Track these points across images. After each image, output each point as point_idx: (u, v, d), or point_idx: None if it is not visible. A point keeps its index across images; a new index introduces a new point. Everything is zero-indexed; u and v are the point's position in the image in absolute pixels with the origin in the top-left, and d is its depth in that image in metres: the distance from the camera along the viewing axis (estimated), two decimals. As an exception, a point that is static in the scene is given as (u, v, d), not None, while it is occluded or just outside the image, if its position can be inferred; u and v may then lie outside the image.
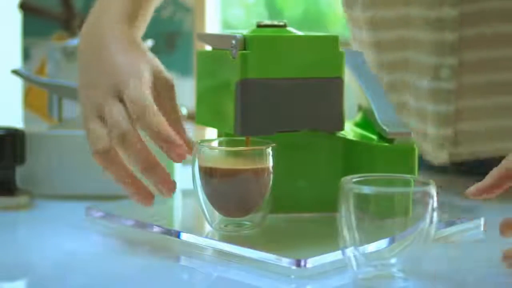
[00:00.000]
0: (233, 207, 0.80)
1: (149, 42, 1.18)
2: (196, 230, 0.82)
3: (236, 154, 0.82)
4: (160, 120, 0.79)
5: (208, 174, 0.79)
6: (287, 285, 0.72)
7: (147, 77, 0.83)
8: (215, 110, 0.88)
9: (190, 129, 0.86)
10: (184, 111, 1.13)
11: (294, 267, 0.72)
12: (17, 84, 1.67)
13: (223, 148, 0.84)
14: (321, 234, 0.80)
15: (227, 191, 0.80)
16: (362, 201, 0.70)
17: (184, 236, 0.79)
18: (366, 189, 0.69)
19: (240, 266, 0.75)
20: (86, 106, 0.84)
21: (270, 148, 0.80)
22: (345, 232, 0.70)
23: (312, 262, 0.73)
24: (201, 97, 0.90)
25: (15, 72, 1.09)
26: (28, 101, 1.61)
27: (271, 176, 0.80)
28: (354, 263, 0.71)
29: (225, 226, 0.82)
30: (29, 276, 0.76)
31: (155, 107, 0.80)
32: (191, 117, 1.23)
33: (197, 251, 0.78)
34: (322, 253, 0.74)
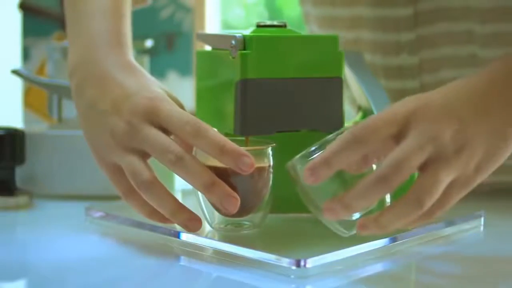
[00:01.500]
0: None
1: (149, 42, 1.18)
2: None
3: None
4: (217, 133, 0.77)
5: None
6: (287, 285, 0.72)
7: (169, 99, 0.81)
8: (215, 110, 0.88)
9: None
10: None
11: (294, 267, 0.72)
12: (17, 84, 1.67)
13: None
14: (321, 234, 0.79)
15: None
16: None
17: (184, 236, 0.79)
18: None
19: (240, 266, 0.75)
20: (106, 139, 0.80)
21: (270, 147, 0.80)
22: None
23: (312, 262, 0.73)
24: (201, 97, 0.90)
25: (15, 72, 1.09)
26: (28, 101, 1.61)
27: (271, 176, 0.80)
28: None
29: (225, 226, 0.82)
30: (29, 276, 0.76)
31: (203, 122, 0.77)
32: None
33: (197, 251, 0.78)
34: (322, 253, 0.74)
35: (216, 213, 0.81)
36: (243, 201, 0.78)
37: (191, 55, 1.92)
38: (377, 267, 0.77)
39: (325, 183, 0.73)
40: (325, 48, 0.85)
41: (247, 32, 0.85)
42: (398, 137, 0.72)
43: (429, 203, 0.71)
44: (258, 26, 0.86)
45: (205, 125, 0.77)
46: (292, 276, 0.72)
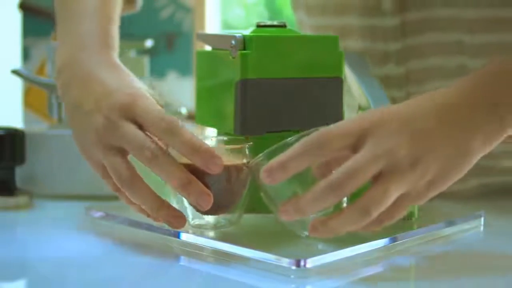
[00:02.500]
0: None
1: (149, 42, 1.18)
2: (196, 230, 0.82)
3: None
4: (190, 132, 0.77)
5: None
6: (287, 285, 0.72)
7: (149, 96, 0.82)
8: (215, 110, 0.88)
9: (190, 129, 0.86)
10: (184, 111, 1.13)
11: (294, 267, 0.72)
12: (17, 84, 1.67)
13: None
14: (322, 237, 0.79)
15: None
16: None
17: (184, 236, 0.79)
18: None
19: (240, 266, 0.75)
20: (92, 137, 0.82)
21: (247, 146, 0.80)
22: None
23: (312, 262, 0.73)
24: (201, 97, 0.90)
25: (15, 72, 1.09)
26: (28, 101, 1.61)
27: (248, 174, 0.80)
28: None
29: (201, 223, 0.81)
30: (29, 276, 0.76)
31: (179, 120, 0.78)
32: (191, 117, 1.23)
33: (197, 251, 0.78)
34: (322, 253, 0.74)
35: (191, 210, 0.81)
36: (220, 198, 0.78)
37: (191, 55, 1.92)
38: (377, 267, 0.77)
39: (284, 184, 0.74)
40: (325, 48, 0.85)
41: (247, 32, 0.85)
42: (355, 148, 0.73)
43: (375, 213, 0.72)
44: (258, 26, 0.86)
45: (180, 123, 0.78)
46: (292, 276, 0.72)
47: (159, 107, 0.80)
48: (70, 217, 0.93)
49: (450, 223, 0.86)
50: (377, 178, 0.72)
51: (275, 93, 0.83)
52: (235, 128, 0.83)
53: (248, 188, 0.80)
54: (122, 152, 0.79)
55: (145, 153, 0.77)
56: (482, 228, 0.89)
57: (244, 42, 0.83)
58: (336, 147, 0.72)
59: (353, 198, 0.72)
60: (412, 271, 0.78)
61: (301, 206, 0.72)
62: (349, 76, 0.96)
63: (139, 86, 0.83)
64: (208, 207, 0.77)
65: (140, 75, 1.14)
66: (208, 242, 0.78)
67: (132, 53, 1.16)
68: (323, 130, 0.73)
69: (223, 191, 0.78)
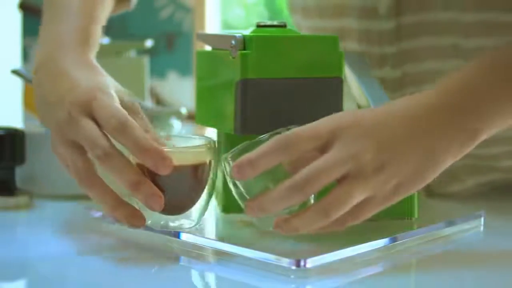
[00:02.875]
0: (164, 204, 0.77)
1: (149, 42, 1.18)
2: (196, 230, 0.82)
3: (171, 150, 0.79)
4: (141, 132, 0.77)
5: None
6: (287, 285, 0.72)
7: (113, 93, 0.81)
8: (215, 110, 0.88)
9: (190, 129, 0.86)
10: (184, 111, 1.13)
11: (294, 267, 0.72)
12: (17, 84, 1.67)
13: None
14: (321, 234, 0.79)
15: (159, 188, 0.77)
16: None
17: (184, 236, 0.79)
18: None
19: (240, 266, 0.75)
20: (53, 129, 0.81)
21: (206, 146, 0.79)
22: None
23: (312, 262, 0.73)
24: (201, 97, 0.90)
25: (15, 72, 1.09)
26: (28, 101, 1.61)
27: (209, 173, 0.79)
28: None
29: (163, 222, 0.81)
30: (29, 276, 0.76)
31: (132, 120, 0.77)
32: (191, 117, 1.23)
33: (197, 251, 0.78)
34: (322, 253, 0.74)
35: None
36: (177, 198, 0.78)
37: (191, 55, 1.92)
38: (377, 267, 0.77)
39: (255, 180, 0.74)
40: (325, 48, 0.85)
41: (247, 32, 0.85)
42: (323, 149, 0.73)
43: (335, 215, 0.72)
44: (258, 26, 0.86)
45: (131, 122, 0.77)
46: (292, 276, 0.72)
47: (116, 104, 0.79)
48: (70, 217, 0.93)
49: (450, 223, 0.86)
50: (340, 181, 0.72)
51: (275, 93, 0.83)
52: (235, 128, 0.83)
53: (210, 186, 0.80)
54: (81, 148, 0.79)
55: (96, 150, 0.77)
56: (482, 228, 0.89)
57: (244, 42, 0.83)
58: (304, 148, 0.73)
59: (319, 197, 0.73)
60: (412, 271, 0.78)
61: (265, 203, 0.73)
62: (349, 76, 0.96)
63: (108, 85, 0.82)
64: (158, 208, 0.76)
65: (140, 75, 1.15)
66: (208, 242, 0.78)
67: (132, 53, 1.16)
68: (293, 130, 0.74)
69: (182, 191, 0.78)
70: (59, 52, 0.88)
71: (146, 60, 1.15)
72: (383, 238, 0.79)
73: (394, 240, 0.80)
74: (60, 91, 0.83)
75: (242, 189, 0.77)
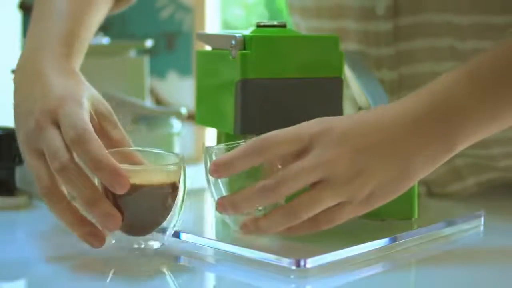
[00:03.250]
0: (127, 224, 0.75)
1: (149, 42, 1.18)
2: (196, 230, 0.82)
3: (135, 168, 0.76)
4: (99, 146, 0.73)
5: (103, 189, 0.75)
6: (287, 285, 0.72)
7: (85, 102, 0.78)
8: (215, 110, 0.88)
9: (190, 129, 0.85)
10: (184, 111, 1.13)
11: (294, 267, 0.72)
12: (17, 84, 1.67)
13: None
14: (321, 234, 0.79)
15: (124, 208, 0.74)
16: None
17: (184, 236, 0.79)
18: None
19: (240, 266, 0.75)
20: (21, 138, 0.79)
21: (174, 166, 0.76)
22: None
23: (312, 262, 0.73)
24: (201, 97, 0.90)
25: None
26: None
27: (176, 194, 0.76)
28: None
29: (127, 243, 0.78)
30: (29, 276, 0.76)
31: (93, 132, 0.74)
32: (191, 117, 1.23)
33: (197, 251, 0.78)
34: (322, 253, 0.74)
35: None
36: (140, 219, 0.75)
37: (191, 55, 1.92)
38: (377, 267, 0.77)
39: (235, 179, 0.76)
40: (325, 48, 0.85)
41: (247, 32, 0.85)
42: (299, 155, 0.73)
43: (304, 216, 0.73)
44: (258, 26, 0.86)
45: (90, 136, 0.74)
46: (292, 276, 0.72)
47: (80, 114, 0.76)
48: (70, 217, 0.93)
49: (450, 223, 0.86)
50: (313, 184, 0.73)
51: (275, 93, 0.83)
52: (235, 128, 0.83)
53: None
54: (45, 157, 0.76)
55: (54, 162, 0.73)
56: (482, 228, 0.89)
57: (244, 42, 0.83)
58: (280, 152, 0.74)
59: (289, 199, 0.73)
60: (412, 271, 0.78)
61: (237, 201, 0.73)
62: (349, 76, 0.96)
63: (80, 93, 0.79)
64: (114, 228, 0.73)
65: (140, 75, 1.15)
66: (208, 242, 0.78)
67: (132, 53, 1.16)
68: (270, 133, 0.74)
69: (143, 212, 0.75)
70: (40, 54, 0.85)
71: (146, 60, 1.15)
72: (383, 238, 0.79)
73: (394, 240, 0.80)
74: (33, 97, 0.80)
75: (221, 186, 0.77)
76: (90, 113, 0.78)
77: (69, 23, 0.89)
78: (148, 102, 1.17)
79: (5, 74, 1.15)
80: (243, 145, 0.74)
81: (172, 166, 0.76)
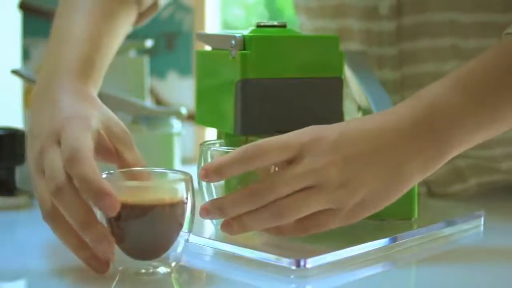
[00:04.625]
0: (139, 247, 0.72)
1: (149, 42, 1.18)
2: (196, 230, 0.82)
3: (145, 187, 0.73)
4: (91, 167, 0.70)
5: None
6: (287, 285, 0.72)
7: (93, 123, 0.76)
8: (215, 110, 0.88)
9: (190, 129, 0.85)
10: (184, 111, 1.13)
11: (294, 267, 0.72)
12: (17, 84, 1.67)
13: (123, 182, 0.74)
14: (321, 234, 0.79)
15: (133, 230, 0.71)
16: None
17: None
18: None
19: (240, 266, 0.75)
20: (30, 161, 0.77)
21: (184, 181, 0.72)
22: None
23: (312, 262, 0.73)
24: (201, 97, 0.90)
25: (15, 72, 1.09)
26: (28, 101, 1.61)
27: (184, 212, 0.72)
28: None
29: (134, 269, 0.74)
30: (29, 276, 0.76)
31: (87, 152, 0.71)
32: (191, 117, 1.23)
33: (197, 251, 0.78)
34: (322, 253, 0.74)
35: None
36: (146, 242, 0.72)
37: (191, 55, 1.92)
38: (377, 267, 0.77)
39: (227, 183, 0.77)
40: (325, 48, 0.85)
41: (247, 32, 0.85)
42: (290, 162, 0.73)
43: (289, 219, 0.73)
44: (258, 26, 0.86)
45: (83, 155, 0.71)
46: (292, 276, 0.72)
47: (82, 134, 0.73)
48: (70, 217, 0.93)
49: (450, 223, 0.86)
50: (303, 188, 0.73)
51: (275, 93, 0.83)
52: (235, 128, 0.83)
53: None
54: None
55: (50, 184, 0.71)
56: (482, 228, 0.89)
57: (244, 42, 0.83)
58: (270, 160, 0.74)
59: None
60: (412, 271, 0.78)
61: (222, 206, 0.73)
62: (349, 76, 0.96)
63: (89, 114, 0.77)
64: (108, 253, 0.71)
65: (140, 75, 1.15)
66: (208, 242, 0.78)
67: (132, 53, 1.16)
68: (261, 141, 0.74)
69: (148, 234, 0.71)
70: (55, 79, 0.83)
71: (146, 60, 1.15)
72: (383, 238, 0.79)
73: (394, 240, 0.80)
74: (42, 120, 0.78)
75: (213, 189, 0.78)
76: (101, 134, 0.77)
77: (87, 48, 0.87)
78: (148, 102, 1.17)
79: (5, 74, 1.15)
80: (234, 151, 0.74)
81: (180, 184, 0.72)
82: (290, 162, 0.73)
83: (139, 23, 1.00)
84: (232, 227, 0.73)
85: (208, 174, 0.73)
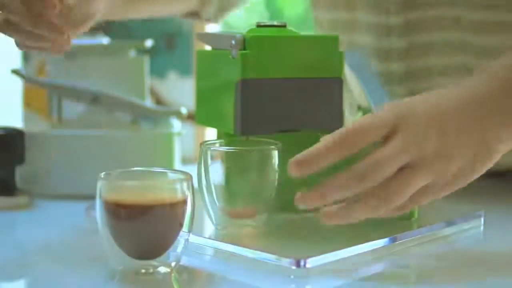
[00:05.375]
0: (140, 247, 0.72)
1: (149, 42, 1.18)
2: (196, 230, 0.82)
3: (145, 187, 0.72)
4: None
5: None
6: (287, 285, 0.72)
7: None
8: (215, 110, 0.88)
9: (190, 129, 0.85)
10: (184, 111, 1.13)
11: (294, 267, 0.72)
12: (17, 84, 1.67)
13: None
14: (321, 234, 0.80)
15: (133, 230, 0.71)
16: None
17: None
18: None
19: (240, 266, 0.75)
20: None
21: (185, 181, 0.72)
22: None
23: (312, 262, 0.73)
24: (201, 97, 0.90)
25: (15, 72, 1.09)
26: (28, 101, 1.61)
27: (184, 212, 0.72)
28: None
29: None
30: (29, 276, 0.76)
31: None
32: (191, 117, 1.23)
33: (197, 251, 0.78)
34: (322, 253, 0.74)
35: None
36: (145, 242, 0.71)
37: (191, 55, 1.92)
38: (377, 267, 0.77)
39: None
40: (325, 48, 0.85)
41: (247, 32, 0.85)
42: (386, 138, 0.73)
43: (396, 202, 0.72)
44: (258, 26, 0.86)
45: None
46: (292, 276, 0.72)
47: None
48: (70, 217, 0.93)
49: (450, 223, 0.86)
50: (402, 168, 0.72)
51: (275, 93, 0.83)
52: (235, 128, 0.83)
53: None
54: None
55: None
56: (482, 228, 0.89)
57: (244, 42, 0.83)
58: (368, 141, 0.72)
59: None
60: (412, 271, 0.78)
61: (324, 192, 0.71)
62: (349, 76, 0.96)
63: None
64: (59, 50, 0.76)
65: (140, 75, 1.15)
66: (209, 242, 0.78)
67: (132, 53, 1.16)
68: (354, 125, 0.72)
69: (145, 234, 0.71)
70: None
71: (146, 60, 1.15)
72: (383, 238, 0.79)
73: (394, 240, 0.80)
74: None
75: (213, 189, 0.78)
76: None
77: None
78: (148, 102, 1.17)
79: (5, 74, 1.15)
80: (324, 140, 0.72)
81: (180, 184, 0.72)
82: (386, 139, 0.73)
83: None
84: (340, 216, 0.72)
85: (300, 166, 0.71)
